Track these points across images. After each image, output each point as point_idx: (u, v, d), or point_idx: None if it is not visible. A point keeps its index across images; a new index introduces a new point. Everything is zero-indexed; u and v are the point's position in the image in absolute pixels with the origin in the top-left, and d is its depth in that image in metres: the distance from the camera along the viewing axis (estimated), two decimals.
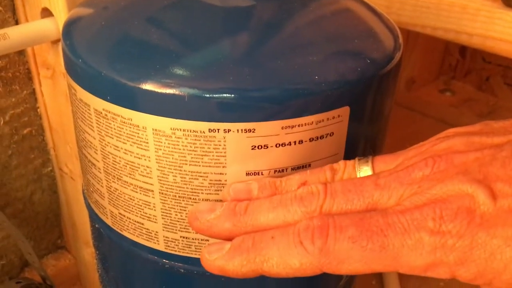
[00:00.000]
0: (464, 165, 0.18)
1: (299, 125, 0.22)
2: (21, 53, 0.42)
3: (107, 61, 0.23)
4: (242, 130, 0.22)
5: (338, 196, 0.19)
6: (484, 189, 0.17)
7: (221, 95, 0.21)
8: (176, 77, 0.22)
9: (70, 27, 0.27)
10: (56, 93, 0.41)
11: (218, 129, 0.22)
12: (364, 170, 0.21)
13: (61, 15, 0.35)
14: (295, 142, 0.23)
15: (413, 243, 0.17)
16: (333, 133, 0.23)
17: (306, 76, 0.22)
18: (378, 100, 0.25)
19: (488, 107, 0.75)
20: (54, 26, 0.35)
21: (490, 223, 0.17)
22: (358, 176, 0.21)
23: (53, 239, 0.53)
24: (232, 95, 0.21)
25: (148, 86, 0.22)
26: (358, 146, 0.26)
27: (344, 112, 0.23)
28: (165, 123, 0.22)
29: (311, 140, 0.23)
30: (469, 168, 0.18)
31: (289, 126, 0.22)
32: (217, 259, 0.19)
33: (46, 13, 0.36)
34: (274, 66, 0.22)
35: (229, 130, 0.22)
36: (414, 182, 0.19)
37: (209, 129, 0.22)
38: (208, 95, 0.21)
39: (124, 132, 0.23)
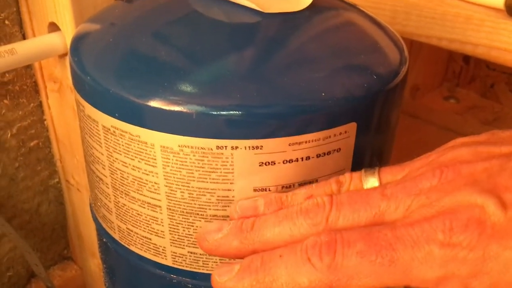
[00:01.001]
0: (472, 176, 0.18)
1: (306, 142, 0.22)
2: (28, 66, 0.42)
3: (115, 78, 0.24)
4: (249, 147, 0.22)
5: (344, 208, 0.19)
6: (494, 199, 0.17)
7: (228, 112, 0.21)
8: (184, 94, 0.22)
9: (77, 43, 0.28)
10: (63, 106, 0.42)
11: (226, 146, 0.22)
12: (371, 181, 0.21)
13: (68, 30, 0.35)
14: (302, 158, 0.23)
15: (423, 256, 0.17)
16: (340, 149, 0.23)
17: (313, 92, 0.22)
18: (385, 114, 0.25)
19: (492, 114, 0.75)
20: (61, 40, 0.36)
21: (502, 234, 0.16)
22: (364, 187, 0.21)
23: (60, 250, 0.53)
24: (240, 112, 0.21)
25: (156, 104, 0.22)
26: (365, 160, 0.26)
27: (351, 128, 0.23)
28: (173, 140, 0.22)
29: (318, 156, 0.23)
30: (478, 178, 0.18)
31: (296, 143, 0.22)
32: (227, 281, 0.19)
33: (53, 27, 0.37)
34: (281, 82, 0.22)
35: (236, 147, 0.22)
36: (422, 193, 0.18)
37: (216, 146, 0.22)
38: (216, 113, 0.21)
39: (132, 149, 0.24)
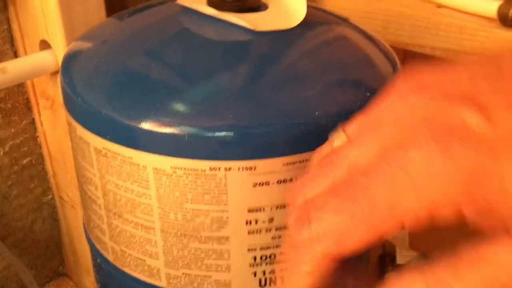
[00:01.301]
0: (442, 92, 0.15)
1: (300, 161, 0.22)
2: (20, 84, 0.42)
3: (107, 100, 0.23)
4: (243, 168, 0.22)
5: (315, 175, 0.17)
6: (476, 111, 0.14)
7: (221, 133, 0.21)
8: (175, 115, 0.22)
9: (68, 63, 0.27)
10: (55, 122, 0.41)
11: (219, 168, 0.22)
12: (339, 141, 0.18)
13: (60, 47, 0.35)
14: (296, 178, 0.22)
15: (402, 185, 0.14)
16: None
17: (306, 111, 0.22)
18: None
19: None
20: (52, 58, 0.36)
21: (494, 150, 0.14)
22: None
23: (55, 267, 0.53)
24: (232, 133, 0.21)
25: (148, 126, 0.22)
26: None
27: None
28: (166, 162, 0.22)
29: None
30: (451, 94, 0.15)
31: (290, 163, 0.22)
32: None
33: (44, 45, 0.36)
34: (273, 101, 0.22)
35: (230, 168, 0.22)
36: (390, 124, 0.16)
37: (210, 168, 0.22)
38: (208, 134, 0.21)
39: (124, 171, 0.23)
